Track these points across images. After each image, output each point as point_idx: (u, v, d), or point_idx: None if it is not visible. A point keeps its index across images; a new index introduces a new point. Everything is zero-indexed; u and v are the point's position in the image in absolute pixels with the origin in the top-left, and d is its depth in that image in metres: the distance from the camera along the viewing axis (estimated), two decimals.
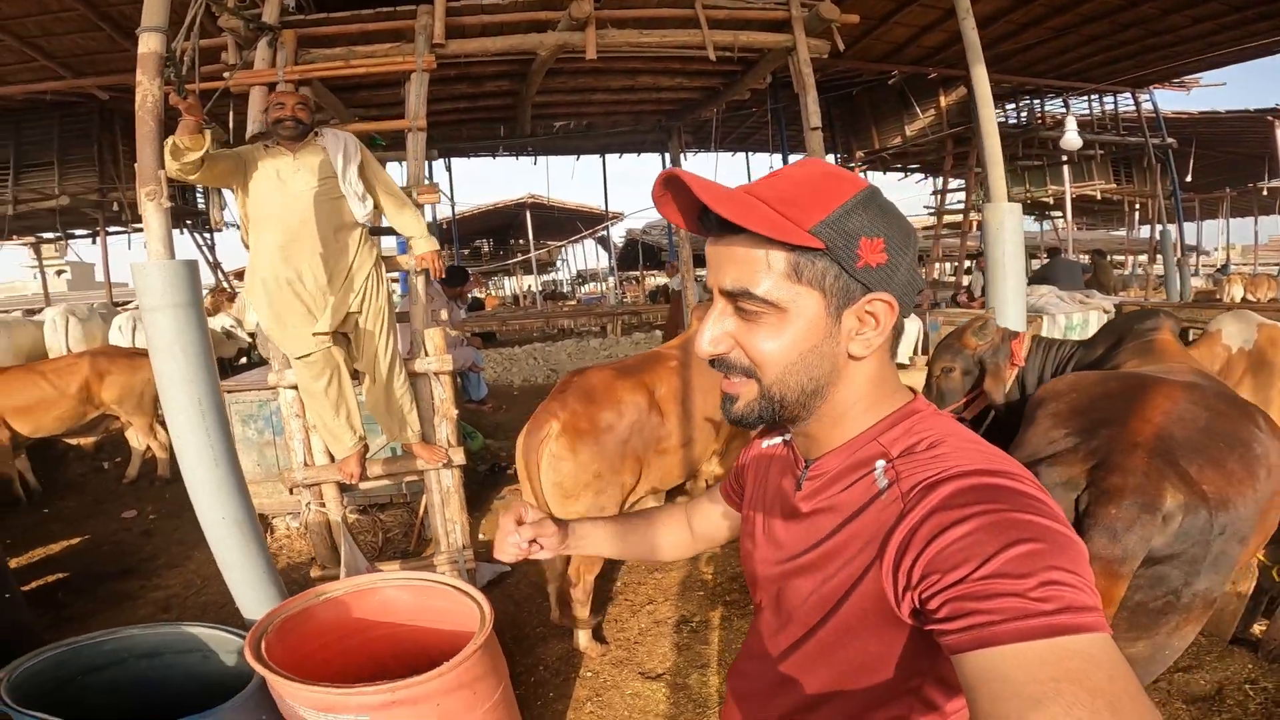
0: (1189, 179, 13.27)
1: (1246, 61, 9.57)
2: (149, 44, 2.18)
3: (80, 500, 5.47)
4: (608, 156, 11.58)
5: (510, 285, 26.70)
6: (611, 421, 2.83)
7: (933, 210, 12.10)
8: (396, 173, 7.34)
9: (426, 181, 3.56)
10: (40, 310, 9.16)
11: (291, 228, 2.85)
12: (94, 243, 10.88)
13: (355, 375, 3.18)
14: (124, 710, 2.03)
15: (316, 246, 2.88)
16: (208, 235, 11.36)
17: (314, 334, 2.92)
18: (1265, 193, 15.87)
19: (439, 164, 10.89)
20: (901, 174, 13.22)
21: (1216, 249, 24.40)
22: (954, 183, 11.40)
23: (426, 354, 3.31)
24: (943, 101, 10.52)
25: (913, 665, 0.65)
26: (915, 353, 5.73)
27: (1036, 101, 11.26)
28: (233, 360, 8.01)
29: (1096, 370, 2.29)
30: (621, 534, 1.11)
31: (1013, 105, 11.46)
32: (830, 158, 11.70)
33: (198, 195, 11.10)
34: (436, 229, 10.44)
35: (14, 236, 11.04)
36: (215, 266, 11.99)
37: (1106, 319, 5.36)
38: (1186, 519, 1.57)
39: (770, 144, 10.28)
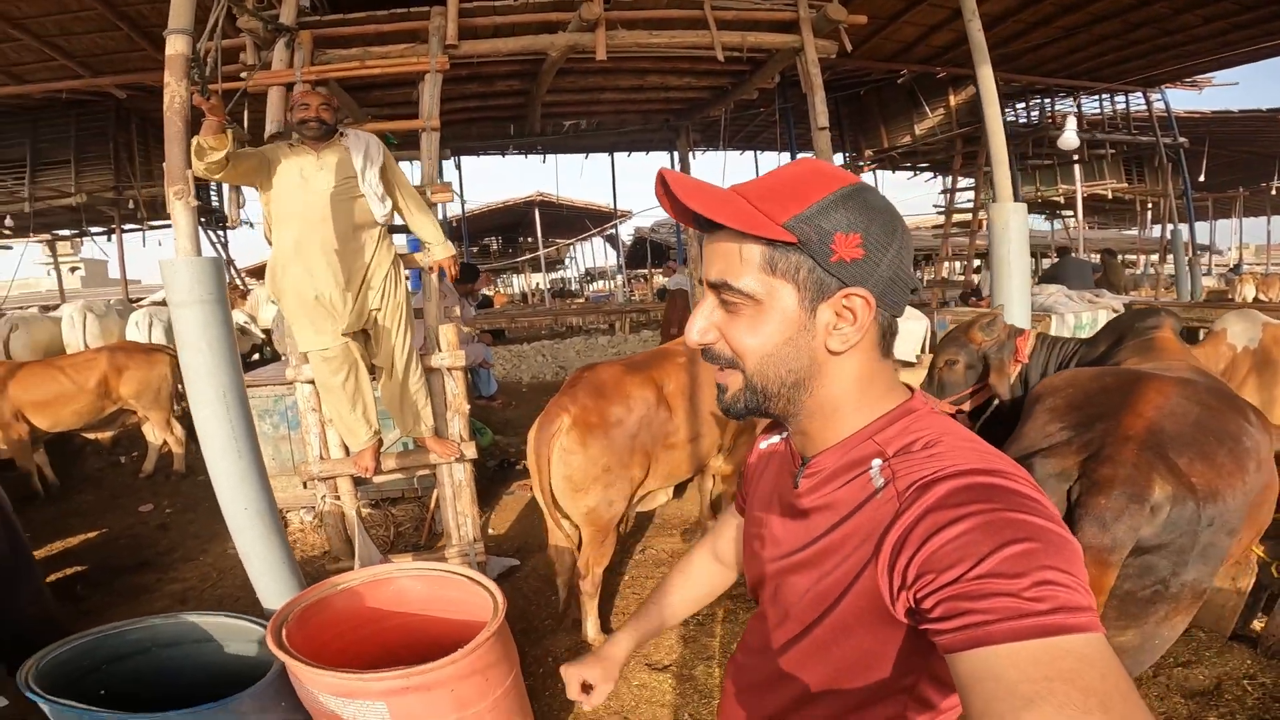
0: (1202, 178, 13.18)
1: (1259, 61, 9.53)
2: (175, 46, 2.24)
3: (97, 494, 5.56)
4: (616, 155, 11.61)
5: (519, 283, 26.80)
6: (621, 416, 2.88)
7: (942, 209, 12.09)
8: (409, 171, 7.41)
9: (439, 181, 3.62)
10: (57, 307, 9.28)
11: (313, 226, 2.92)
12: (109, 240, 11.01)
13: (372, 370, 3.25)
14: (146, 699, 2.08)
15: (338, 244, 2.95)
16: (221, 233, 11.48)
17: (337, 331, 2.99)
18: (1277, 193, 15.75)
19: (449, 162, 10.97)
20: (911, 173, 13.21)
21: (1230, 248, 24.23)
22: (963, 181, 11.38)
23: (440, 350, 3.38)
24: (952, 101, 10.50)
25: (908, 663, 0.66)
26: (923, 350, 5.75)
27: (1047, 101, 11.22)
28: (246, 356, 8.12)
29: (1094, 367, 2.33)
30: (657, 613, 1.12)
31: (1023, 104, 11.43)
32: (838, 157, 11.71)
33: (211, 193, 11.22)
34: (447, 227, 10.52)
35: (31, 234, 11.18)
36: (229, 264, 12.12)
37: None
38: (1174, 510, 1.61)
39: (779, 143, 10.29)
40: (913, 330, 5.69)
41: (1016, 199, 4.31)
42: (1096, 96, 11.28)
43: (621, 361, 3.15)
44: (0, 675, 2.65)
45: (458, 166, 11.86)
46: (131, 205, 9.64)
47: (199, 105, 2.41)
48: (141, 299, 10.68)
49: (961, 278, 13.23)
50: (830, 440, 0.74)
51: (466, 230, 15.29)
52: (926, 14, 7.88)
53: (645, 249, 19.91)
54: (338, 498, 3.26)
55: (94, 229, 11.23)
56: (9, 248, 11.81)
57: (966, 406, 2.74)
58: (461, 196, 12.29)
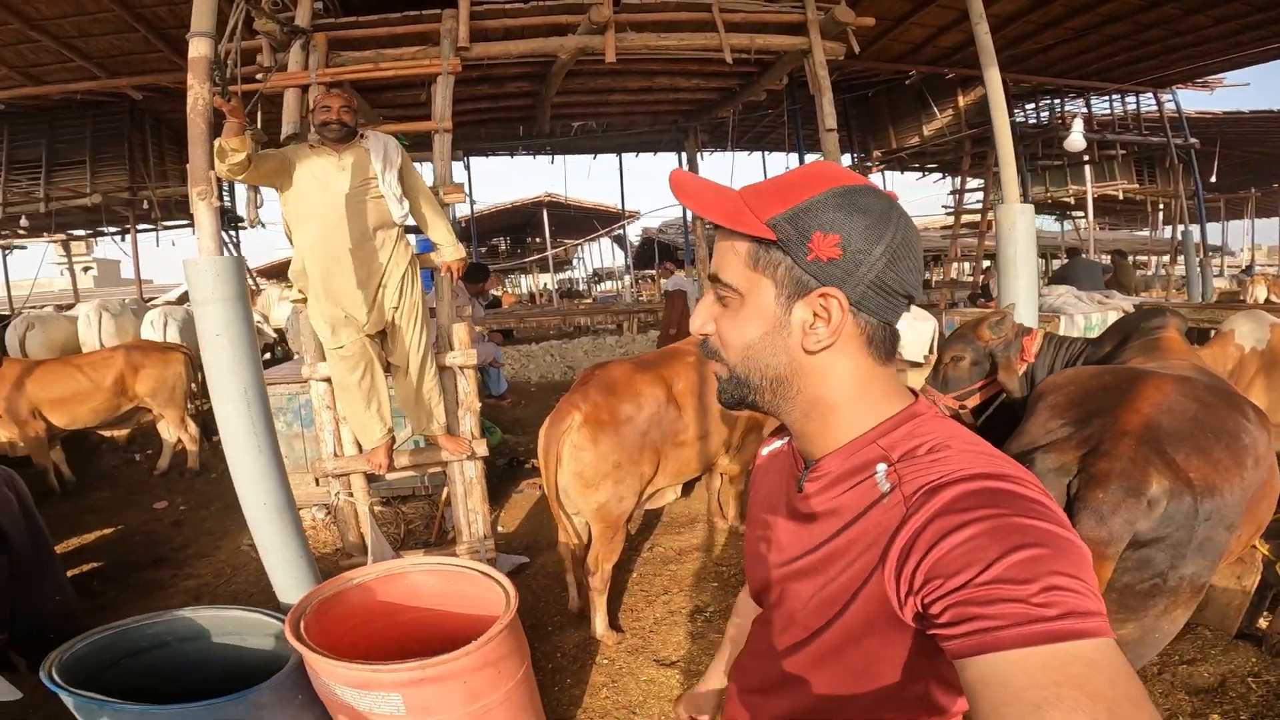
0: (1213, 179, 13.12)
1: (1271, 62, 9.48)
2: (199, 49, 2.28)
3: (113, 491, 5.62)
4: (624, 155, 11.66)
5: (526, 283, 26.88)
6: (631, 414, 2.92)
7: (950, 210, 12.07)
8: (420, 172, 7.47)
9: (451, 182, 3.66)
10: (71, 306, 9.39)
11: (333, 226, 2.97)
12: (123, 240, 11.12)
13: (387, 368, 3.30)
14: (164, 693, 2.11)
15: (357, 244, 3.01)
16: (233, 233, 11.59)
17: (355, 328, 3.03)
18: None
19: (458, 163, 11.04)
20: (919, 174, 13.19)
21: (1242, 250, 24.05)
22: (972, 182, 11.36)
23: (452, 348, 3.42)
24: (961, 101, 10.49)
25: (916, 667, 0.66)
26: (930, 351, 5.76)
27: (1057, 101, 11.19)
28: None
29: (1097, 365, 2.36)
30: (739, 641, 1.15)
31: (1032, 105, 11.40)
32: (846, 158, 11.71)
33: (223, 193, 11.33)
34: (457, 227, 10.58)
35: (45, 234, 11.29)
36: None
37: None
38: (1171, 504, 1.64)
39: (787, 144, 10.31)
40: (921, 330, 5.70)
41: (1026, 200, 4.32)
42: (1107, 97, 11.24)
43: (632, 360, 3.20)
44: (21, 669, 2.70)
45: (467, 167, 11.92)
46: (146, 205, 9.72)
47: (219, 107, 2.46)
48: (154, 298, 10.79)
49: (970, 279, 13.20)
50: (831, 444, 0.74)
51: (475, 230, 15.37)
52: (934, 15, 7.88)
53: (653, 249, 19.93)
54: (351, 494, 3.31)
55: (108, 229, 11.36)
56: (24, 248, 11.94)
57: (969, 403, 2.77)
58: (471, 197, 12.36)
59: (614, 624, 3.17)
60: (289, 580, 2.34)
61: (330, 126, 2.98)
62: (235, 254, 11.53)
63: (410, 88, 4.95)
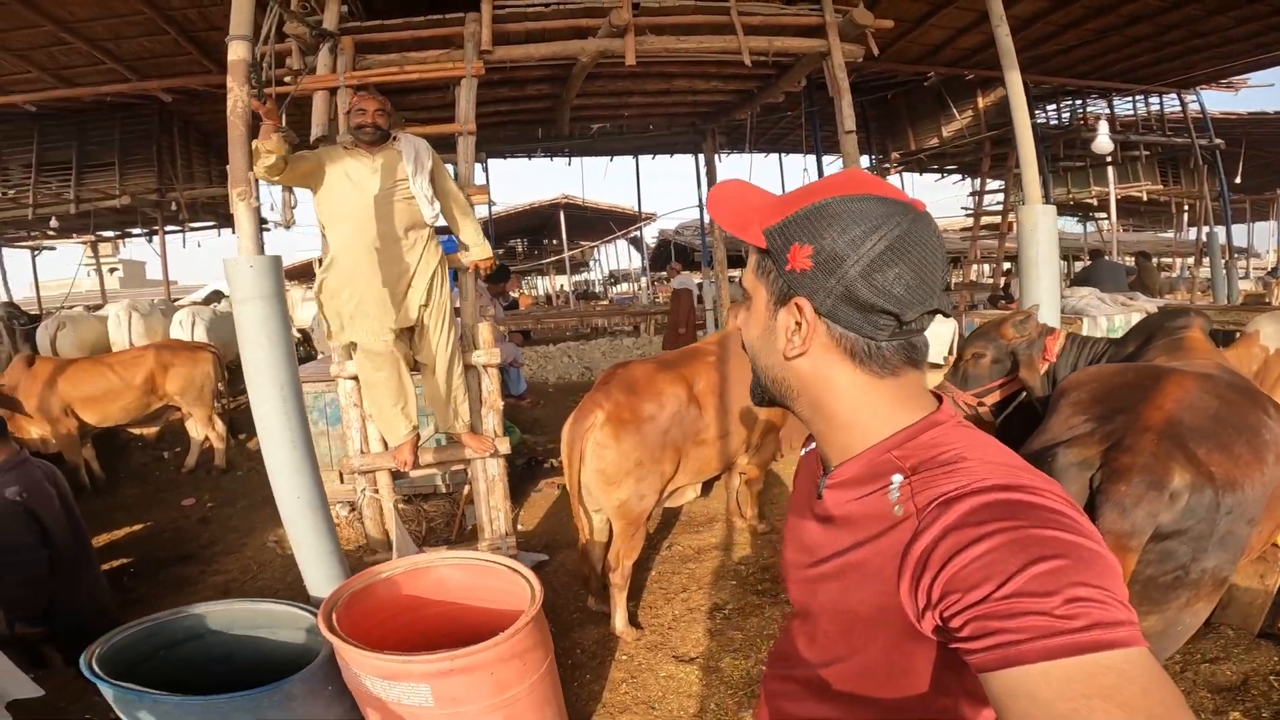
0: (1238, 180, 12.93)
1: None
2: (237, 52, 2.35)
3: (142, 489, 5.74)
4: (641, 157, 11.71)
5: (543, 285, 26.99)
6: (653, 412, 2.95)
7: (970, 211, 11.99)
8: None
9: (474, 184, 3.72)
10: (99, 306, 9.57)
11: (365, 226, 3.03)
12: (150, 241, 11.32)
13: (414, 367, 3.36)
14: (198, 685, 2.15)
15: (388, 245, 3.07)
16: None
17: (384, 326, 3.10)
18: None
19: (478, 165, 11.12)
20: (938, 175, 13.12)
21: (1268, 251, 23.65)
22: (992, 184, 11.28)
23: (476, 348, 3.48)
24: (981, 102, 10.43)
25: (941, 680, 0.65)
26: (950, 352, 5.75)
27: (1078, 102, 11.09)
28: None
29: (1118, 363, 2.38)
30: None
31: (1053, 106, 11.30)
32: (865, 159, 11.67)
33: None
34: None
35: (74, 235, 11.51)
36: None
37: None
38: (1193, 497, 1.66)
39: (804, 145, 10.31)
40: (940, 333, 5.69)
41: (1047, 201, 4.31)
42: (1130, 98, 11.12)
43: (654, 359, 3.23)
44: (56, 663, 2.77)
45: (485, 169, 12.03)
46: (174, 207, 9.85)
47: (255, 109, 2.52)
48: (178, 299, 10.96)
49: (990, 281, 13.11)
50: (844, 451, 0.75)
51: (493, 232, 15.48)
52: (953, 17, 7.85)
53: (669, 251, 19.94)
54: (377, 491, 3.37)
55: (136, 230, 11.55)
56: (53, 249, 12.19)
57: (988, 400, 2.78)
58: (490, 199, 12.46)
59: (633, 621, 3.20)
60: (320, 574, 2.39)
61: (365, 129, 3.05)
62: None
63: (433, 90, 5.02)
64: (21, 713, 2.63)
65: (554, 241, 22.10)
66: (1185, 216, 14.88)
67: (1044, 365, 2.69)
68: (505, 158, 9.89)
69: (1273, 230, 20.99)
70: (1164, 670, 0.50)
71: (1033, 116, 7.94)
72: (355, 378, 3.32)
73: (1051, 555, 0.53)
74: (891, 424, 0.72)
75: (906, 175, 12.75)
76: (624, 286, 27.06)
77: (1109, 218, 12.58)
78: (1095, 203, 12.39)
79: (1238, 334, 4.08)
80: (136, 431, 6.06)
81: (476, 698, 2.04)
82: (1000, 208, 10.92)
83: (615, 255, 27.39)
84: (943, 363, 5.46)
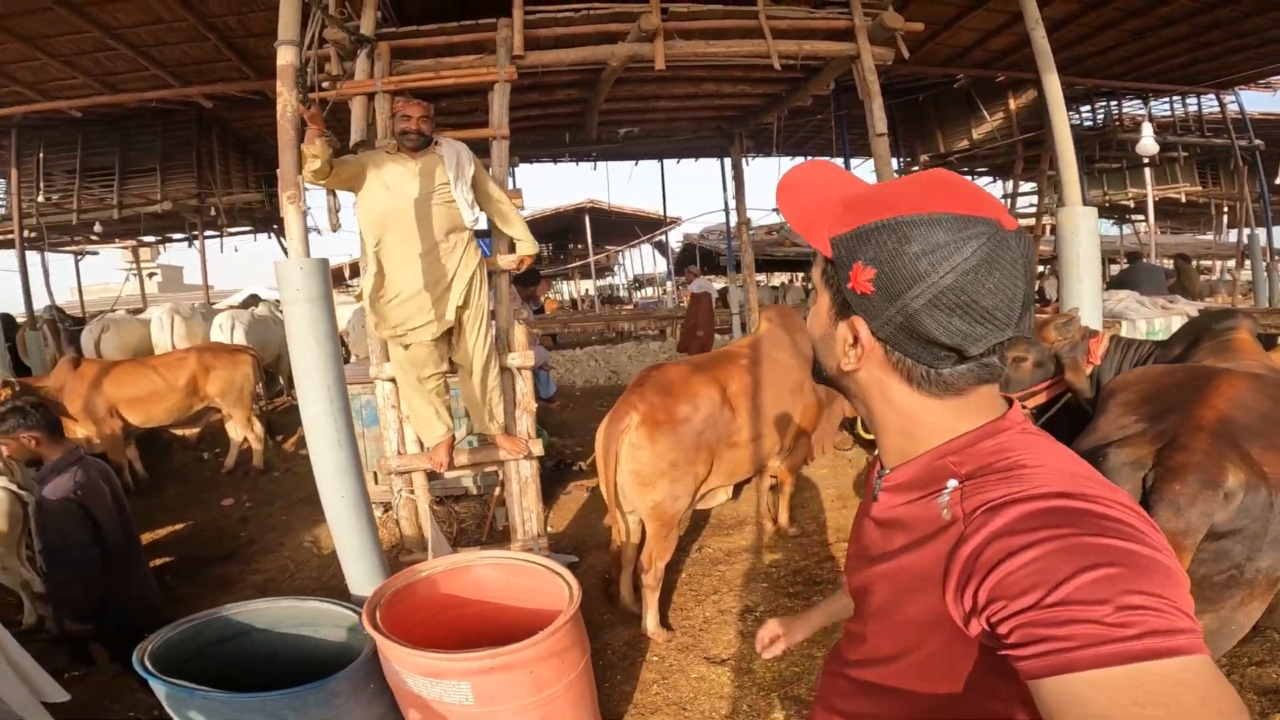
0: (1279, 181, 12.61)
1: None
2: (285, 56, 2.40)
3: (183, 489, 5.87)
4: (665, 161, 11.73)
5: (567, 290, 27.12)
6: (688, 414, 2.97)
7: None
8: None
9: (508, 188, 3.77)
10: (140, 310, 9.82)
11: (407, 230, 3.09)
12: (189, 246, 11.60)
13: (452, 368, 3.42)
14: (243, 681, 2.18)
15: (428, 247, 3.13)
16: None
17: (423, 328, 3.15)
18: None
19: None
20: (969, 178, 12.94)
21: None
22: (1025, 186, 11.13)
23: (511, 350, 3.52)
24: (1012, 104, 10.30)
25: (991, 682, 0.63)
26: None
27: (1114, 103, 10.91)
28: None
29: (1167, 364, 2.37)
30: (843, 598, 1.23)
31: (1088, 107, 11.13)
32: (894, 162, 11.57)
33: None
34: None
35: (116, 240, 11.81)
36: None
37: None
38: (1247, 496, 1.66)
39: (833, 148, 10.24)
40: None
41: (1084, 203, 4.24)
42: (1167, 98, 10.92)
43: (688, 361, 3.25)
44: (102, 660, 2.82)
45: (512, 173, 12.13)
46: (213, 212, 10.05)
47: (300, 113, 2.58)
48: (214, 303, 11.21)
49: None
50: (898, 453, 0.75)
51: None
52: (983, 19, 7.77)
53: (694, 256, 19.94)
54: (413, 492, 3.42)
55: (175, 235, 11.82)
56: (96, 253, 12.54)
57: (1030, 403, 2.76)
58: (520, 203, 12.57)
59: (664, 622, 3.21)
60: (362, 572, 2.44)
61: (409, 135, 3.11)
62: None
63: (466, 95, 5.09)
64: (66, 711, 2.70)
65: (579, 246, 22.20)
66: (1225, 218, 14.54)
67: (1088, 368, 2.67)
68: (531, 162, 9.97)
69: None
70: (1225, 679, 0.49)
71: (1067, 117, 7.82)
72: (393, 379, 3.38)
73: (1104, 563, 0.52)
74: (950, 432, 0.71)
75: None
76: (648, 291, 27.09)
77: (1146, 220, 12.32)
78: (1132, 205, 12.16)
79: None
80: (178, 432, 6.21)
81: (515, 696, 2.07)
82: (1034, 210, 10.76)
83: (639, 260, 27.45)
84: None
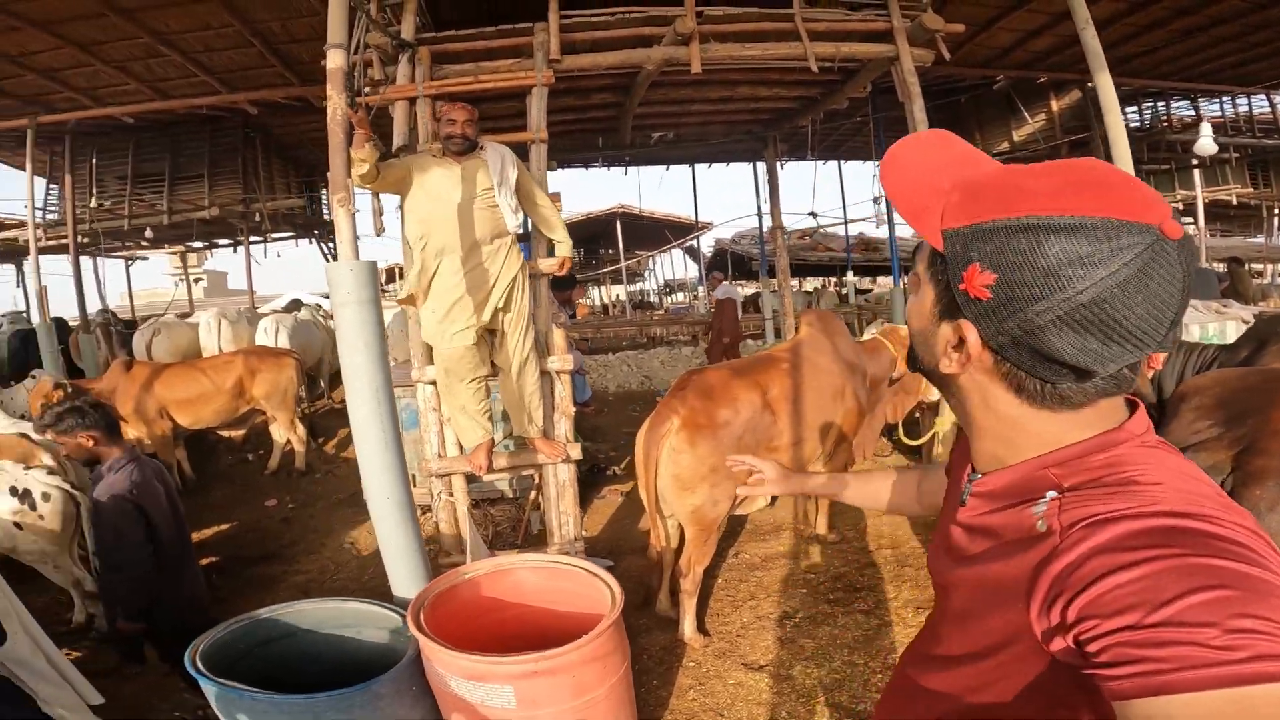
0: None
1: None
2: (335, 60, 2.44)
3: (229, 489, 6.02)
4: (697, 165, 11.71)
5: (598, 295, 27.20)
6: (728, 418, 2.96)
7: None
8: None
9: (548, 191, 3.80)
10: (187, 314, 10.11)
11: (451, 233, 3.14)
12: (234, 251, 11.92)
13: (492, 371, 3.45)
14: (287, 682, 2.19)
15: (472, 251, 3.17)
16: (329, 245, 12.27)
17: (465, 331, 3.19)
18: None
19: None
20: None
21: None
22: None
23: (550, 353, 3.55)
24: (1054, 106, 10.09)
25: (1063, 699, 0.60)
26: None
27: (1161, 104, 10.65)
28: None
29: (1238, 368, 2.33)
30: (847, 481, 1.25)
31: (1134, 108, 10.87)
32: None
33: (323, 207, 11.99)
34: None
35: (165, 245, 12.17)
36: None
37: (1245, 329, 5.05)
38: None
39: (873, 152, 10.14)
40: None
41: None
42: (1216, 99, 10.62)
43: (728, 365, 3.24)
44: (153, 660, 2.87)
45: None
46: (257, 218, 10.29)
47: (348, 117, 2.62)
48: (259, 307, 11.50)
49: None
50: (993, 459, 0.71)
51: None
52: (1023, 19, 7.64)
53: (726, 260, 19.86)
54: (452, 494, 3.46)
55: (221, 241, 12.14)
56: (145, 258, 12.97)
57: None
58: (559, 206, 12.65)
59: (700, 628, 3.19)
60: (404, 571, 2.46)
61: (455, 139, 3.16)
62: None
63: (503, 99, 5.14)
64: (114, 711, 2.76)
65: (610, 251, 22.26)
66: (1276, 220, 14.05)
67: (1149, 372, 2.62)
68: (564, 167, 10.03)
69: None
70: None
71: None
72: (434, 382, 3.42)
73: (1216, 585, 0.48)
74: (1056, 442, 0.65)
75: None
76: (679, 296, 27.06)
77: (1195, 222, 11.96)
78: (1181, 206, 11.80)
79: None
80: (225, 434, 6.37)
81: (557, 700, 2.06)
82: None
83: (670, 264, 27.45)
84: None
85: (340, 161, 2.36)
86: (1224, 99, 10.69)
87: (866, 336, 4.52)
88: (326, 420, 7.33)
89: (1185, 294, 0.57)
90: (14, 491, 3.55)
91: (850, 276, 15.06)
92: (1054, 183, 0.59)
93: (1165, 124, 10.44)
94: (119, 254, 12.49)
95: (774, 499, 4.46)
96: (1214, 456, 1.80)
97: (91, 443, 2.63)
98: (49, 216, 9.92)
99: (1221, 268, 11.18)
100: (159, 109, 8.35)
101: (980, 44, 8.31)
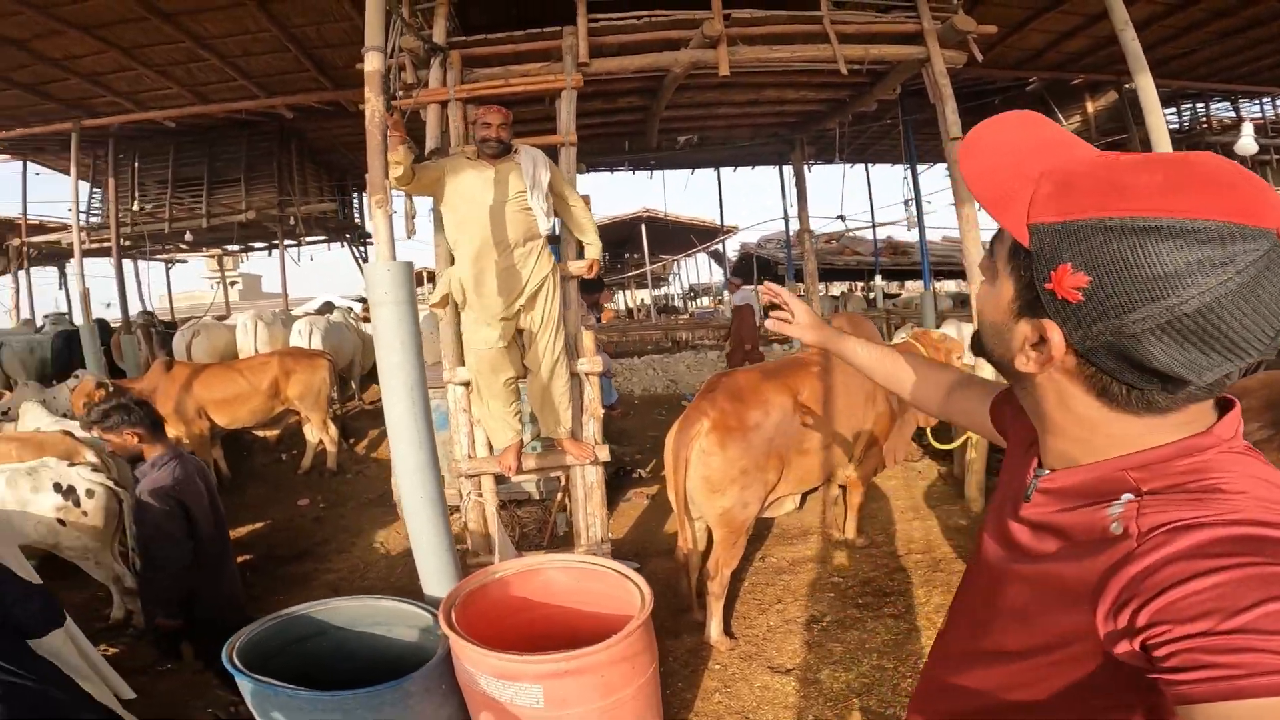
0: None
1: None
2: (372, 63, 2.47)
3: (263, 488, 6.14)
4: (722, 169, 11.69)
5: (623, 299, 27.22)
6: (758, 420, 2.96)
7: None
8: None
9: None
10: (224, 317, 10.34)
11: (485, 235, 3.18)
12: (269, 255, 12.17)
13: (521, 373, 3.49)
14: (319, 679, 2.20)
15: (504, 252, 3.21)
16: (360, 249, 12.49)
17: (496, 332, 3.23)
18: None
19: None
20: None
21: None
22: None
23: (579, 355, 3.58)
24: (1090, 107, 9.93)
25: (1117, 699, 0.60)
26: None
27: (1200, 105, 10.44)
28: None
29: None
30: (877, 355, 1.20)
31: (1172, 110, 10.65)
32: None
33: (355, 211, 12.20)
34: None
35: (204, 248, 12.45)
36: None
37: None
38: None
39: (903, 155, 10.04)
40: (965, 332, 5.40)
41: None
42: (1256, 100, 10.38)
43: (758, 368, 3.24)
44: (188, 656, 2.92)
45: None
46: (291, 221, 10.49)
47: (384, 120, 2.67)
48: (292, 310, 11.73)
49: None
50: (1063, 457, 0.68)
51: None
52: (1055, 21, 7.53)
53: (752, 265, 19.76)
54: (481, 495, 3.49)
55: (257, 244, 12.39)
56: (184, 261, 13.30)
57: None
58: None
59: (727, 631, 3.18)
60: (435, 568, 2.49)
61: (489, 142, 3.20)
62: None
63: (531, 103, 5.20)
64: (147, 707, 2.80)
65: (635, 255, 22.26)
66: None
67: None
68: (591, 170, 10.08)
69: None
70: None
71: None
72: (466, 383, 3.46)
73: None
74: (1135, 445, 0.62)
75: None
76: (704, 301, 26.97)
77: None
78: None
79: None
80: (260, 434, 6.50)
81: (585, 700, 2.06)
82: None
83: (695, 269, 27.38)
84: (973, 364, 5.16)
85: (378, 164, 2.40)
86: (1264, 100, 10.44)
87: (898, 340, 4.48)
88: (357, 421, 7.45)
89: None
90: (58, 488, 3.63)
91: (878, 281, 14.91)
92: (1160, 178, 0.54)
93: (1205, 125, 10.22)
94: (159, 257, 12.80)
95: (802, 501, 4.43)
96: (1269, 458, 1.76)
97: (136, 439, 2.66)
98: (91, 220, 10.18)
99: None
100: (199, 113, 8.53)
101: (1012, 45, 8.21)
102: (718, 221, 15.60)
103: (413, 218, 3.83)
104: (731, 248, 20.45)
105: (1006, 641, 0.70)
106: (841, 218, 13.44)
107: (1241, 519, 0.53)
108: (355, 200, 12.23)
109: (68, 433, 4.37)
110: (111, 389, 5.43)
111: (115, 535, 3.81)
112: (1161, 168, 0.55)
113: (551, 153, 3.92)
